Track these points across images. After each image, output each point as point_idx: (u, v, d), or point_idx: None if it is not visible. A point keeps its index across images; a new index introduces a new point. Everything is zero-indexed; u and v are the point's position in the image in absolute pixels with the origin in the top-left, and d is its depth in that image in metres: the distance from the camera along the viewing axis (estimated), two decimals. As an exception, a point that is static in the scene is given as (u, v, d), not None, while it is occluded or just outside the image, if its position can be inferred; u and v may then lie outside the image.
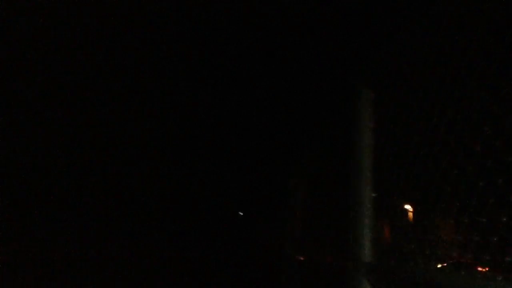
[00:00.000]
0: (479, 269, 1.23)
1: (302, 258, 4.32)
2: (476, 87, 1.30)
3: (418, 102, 1.69)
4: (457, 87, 1.43)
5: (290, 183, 4.91)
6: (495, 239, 1.17)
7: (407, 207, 1.77)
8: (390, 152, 1.83)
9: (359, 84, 1.99)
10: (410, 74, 1.77)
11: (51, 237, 16.49)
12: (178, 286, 10.33)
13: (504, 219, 1.09)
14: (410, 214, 1.77)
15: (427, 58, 1.66)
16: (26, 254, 12.88)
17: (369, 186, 1.80)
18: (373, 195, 1.79)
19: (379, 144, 1.88)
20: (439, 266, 1.50)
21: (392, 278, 1.69)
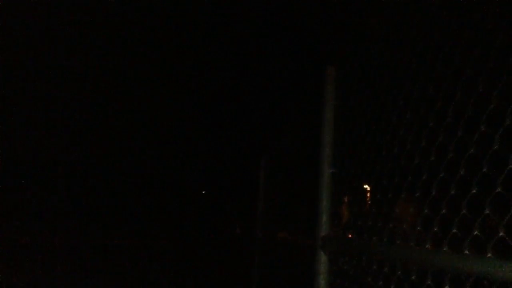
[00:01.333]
0: (428, 243, 1.28)
1: (261, 234, 4.38)
2: (434, 66, 1.32)
3: (380, 80, 1.72)
4: (418, 67, 1.46)
5: (261, 162, 4.90)
6: (444, 214, 1.22)
7: (364, 183, 1.81)
8: (350, 129, 1.85)
9: (323, 61, 2.00)
10: (372, 53, 1.78)
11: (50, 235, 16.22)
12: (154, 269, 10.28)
13: (452, 192, 1.13)
14: (367, 190, 1.82)
15: (388, 37, 1.67)
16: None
17: (328, 162, 1.83)
18: (331, 171, 1.82)
19: (339, 121, 1.90)
20: (393, 240, 1.55)
21: (347, 251, 1.74)
